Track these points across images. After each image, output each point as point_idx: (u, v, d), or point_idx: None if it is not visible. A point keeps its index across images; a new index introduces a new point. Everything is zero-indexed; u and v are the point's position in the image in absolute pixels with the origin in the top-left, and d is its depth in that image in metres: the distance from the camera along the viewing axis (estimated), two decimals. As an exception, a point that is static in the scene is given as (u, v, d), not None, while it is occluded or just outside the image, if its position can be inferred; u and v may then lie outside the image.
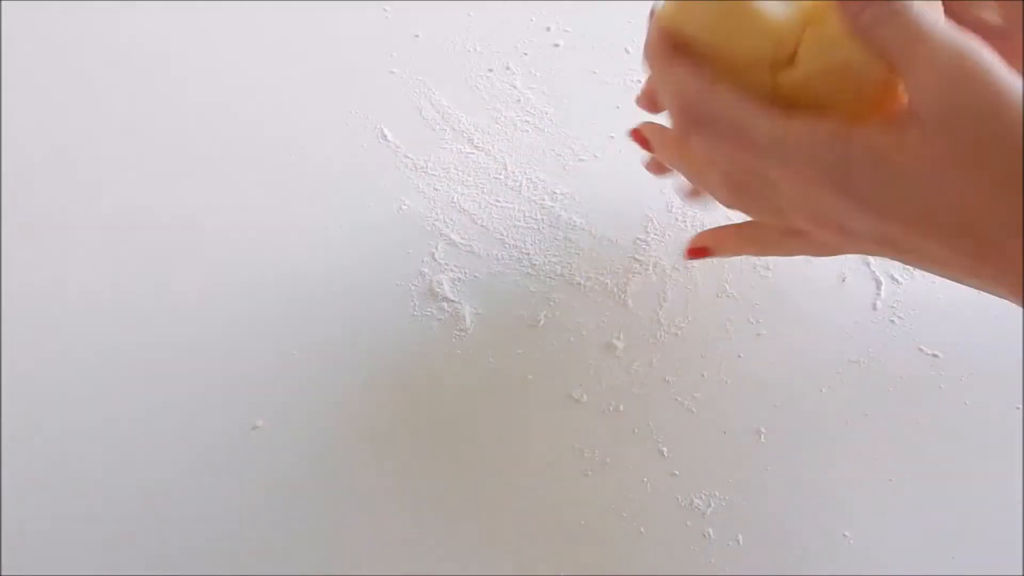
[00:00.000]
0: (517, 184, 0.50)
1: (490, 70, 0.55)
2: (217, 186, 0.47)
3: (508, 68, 0.55)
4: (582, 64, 0.56)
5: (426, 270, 0.46)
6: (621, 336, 0.45)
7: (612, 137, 0.52)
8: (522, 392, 0.42)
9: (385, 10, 0.57)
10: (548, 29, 0.58)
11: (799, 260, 0.46)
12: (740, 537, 0.39)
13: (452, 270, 0.46)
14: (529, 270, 0.46)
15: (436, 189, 0.49)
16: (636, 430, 0.42)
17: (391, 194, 0.48)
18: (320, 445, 0.40)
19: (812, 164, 0.31)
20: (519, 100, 0.54)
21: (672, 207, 0.49)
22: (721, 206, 0.38)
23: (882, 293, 0.46)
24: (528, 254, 0.47)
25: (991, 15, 0.46)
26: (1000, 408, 0.43)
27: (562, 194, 0.49)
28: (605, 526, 0.39)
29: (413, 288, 0.45)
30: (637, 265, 0.47)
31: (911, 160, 0.29)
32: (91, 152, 0.48)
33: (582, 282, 0.46)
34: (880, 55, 0.31)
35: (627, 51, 0.56)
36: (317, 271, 0.45)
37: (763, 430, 0.42)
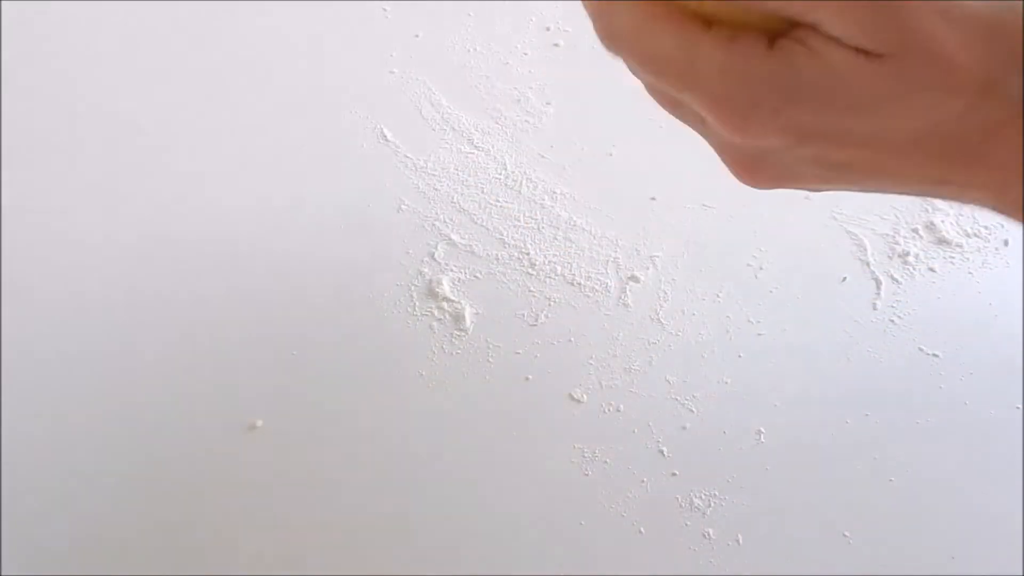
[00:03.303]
0: (517, 184, 0.50)
1: (490, 70, 0.55)
2: (217, 186, 0.47)
3: (508, 68, 0.55)
4: (582, 64, 0.56)
5: (426, 270, 0.46)
6: (621, 336, 0.45)
7: (612, 137, 0.52)
8: (522, 392, 0.42)
9: (385, 10, 0.57)
10: (548, 29, 0.58)
11: (798, 259, 0.46)
12: (740, 537, 0.39)
13: (452, 270, 0.46)
14: (529, 270, 0.46)
15: (436, 189, 0.49)
16: (636, 430, 0.42)
17: (391, 194, 0.48)
18: (320, 445, 0.40)
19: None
20: (519, 100, 0.53)
21: (673, 207, 0.49)
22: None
23: (882, 293, 0.46)
24: (528, 254, 0.47)
25: None
26: (1000, 408, 0.44)
27: (562, 194, 0.49)
28: (605, 526, 0.39)
29: (413, 288, 0.45)
30: (637, 265, 0.47)
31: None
32: (92, 153, 0.48)
33: (582, 282, 0.46)
34: None
35: (627, 51, 0.56)
36: (317, 271, 0.45)
37: (763, 430, 0.42)
